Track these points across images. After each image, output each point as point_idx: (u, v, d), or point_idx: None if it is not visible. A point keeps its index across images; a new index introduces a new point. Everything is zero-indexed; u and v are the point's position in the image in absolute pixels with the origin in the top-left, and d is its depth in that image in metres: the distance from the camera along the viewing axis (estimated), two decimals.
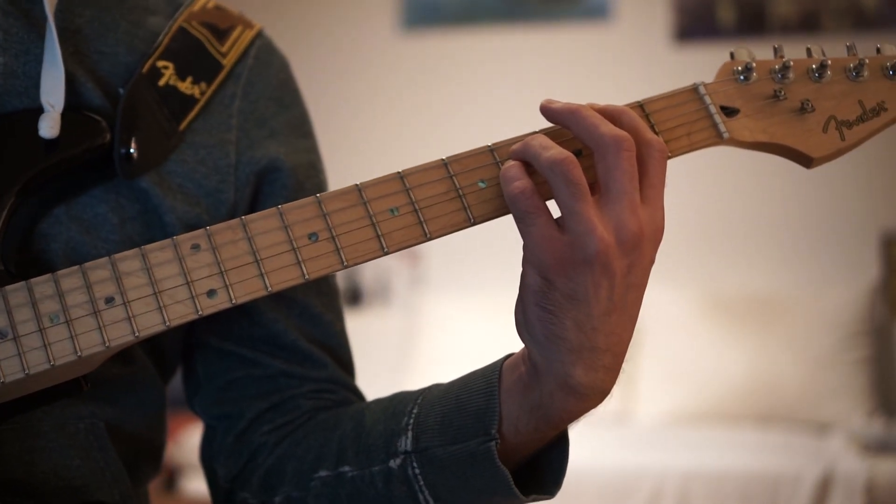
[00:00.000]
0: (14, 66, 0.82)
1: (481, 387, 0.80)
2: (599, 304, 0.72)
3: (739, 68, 0.85)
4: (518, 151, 0.76)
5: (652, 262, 0.75)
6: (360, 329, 4.24)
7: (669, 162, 0.84)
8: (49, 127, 0.79)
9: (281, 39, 1.00)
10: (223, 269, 0.73)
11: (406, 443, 0.82)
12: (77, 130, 0.81)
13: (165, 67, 0.89)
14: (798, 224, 4.11)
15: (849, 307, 3.79)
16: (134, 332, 0.72)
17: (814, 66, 0.85)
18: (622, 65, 4.25)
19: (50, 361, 0.70)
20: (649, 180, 0.74)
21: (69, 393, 0.76)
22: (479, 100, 4.35)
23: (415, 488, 0.82)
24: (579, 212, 0.71)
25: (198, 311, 0.73)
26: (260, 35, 0.97)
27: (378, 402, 0.91)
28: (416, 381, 4.15)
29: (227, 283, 0.73)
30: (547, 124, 0.79)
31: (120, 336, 0.72)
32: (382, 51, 4.49)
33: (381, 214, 0.76)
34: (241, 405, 0.94)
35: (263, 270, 0.74)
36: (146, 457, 0.94)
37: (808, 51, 0.86)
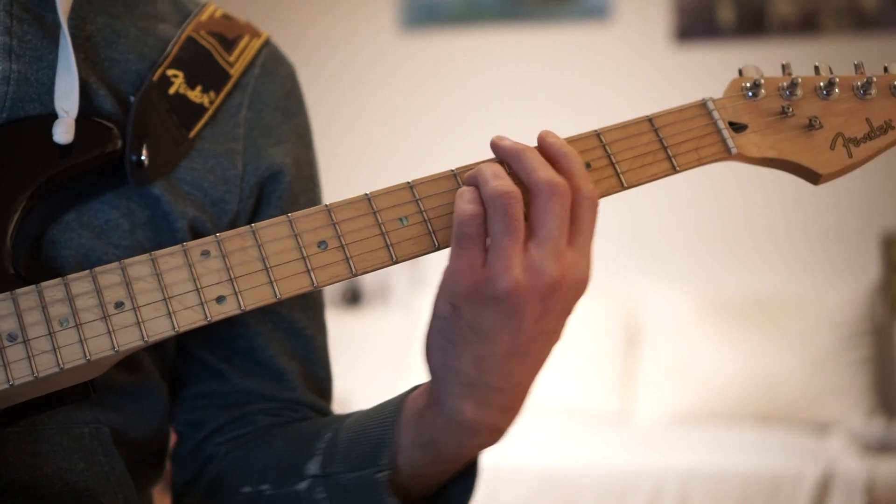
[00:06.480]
0: (27, 73, 0.82)
1: (384, 416, 0.81)
2: (502, 344, 0.72)
3: (748, 84, 0.85)
4: (471, 177, 0.75)
5: (569, 311, 0.74)
6: (360, 329, 4.28)
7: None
8: (63, 132, 0.80)
9: (281, 40, 1.01)
10: (233, 276, 0.74)
11: (315, 466, 0.84)
12: (89, 137, 0.81)
13: (175, 76, 0.89)
14: (798, 224, 4.12)
15: (849, 307, 3.80)
16: (143, 338, 0.72)
17: (822, 84, 0.85)
18: (622, 65, 4.25)
19: (59, 365, 0.70)
20: (578, 227, 0.74)
21: (77, 397, 0.77)
22: (479, 100, 4.36)
23: None
24: (503, 247, 0.71)
25: (207, 318, 0.73)
26: (267, 44, 0.98)
27: (313, 422, 0.92)
28: (416, 381, 4.19)
29: (237, 290, 0.73)
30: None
31: (129, 341, 0.72)
32: (382, 51, 4.50)
33: (391, 223, 0.76)
34: (205, 415, 0.95)
35: (273, 278, 0.74)
36: (150, 462, 0.94)
37: (816, 68, 0.87)
